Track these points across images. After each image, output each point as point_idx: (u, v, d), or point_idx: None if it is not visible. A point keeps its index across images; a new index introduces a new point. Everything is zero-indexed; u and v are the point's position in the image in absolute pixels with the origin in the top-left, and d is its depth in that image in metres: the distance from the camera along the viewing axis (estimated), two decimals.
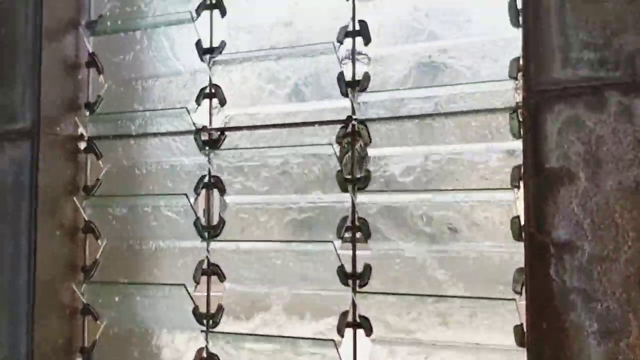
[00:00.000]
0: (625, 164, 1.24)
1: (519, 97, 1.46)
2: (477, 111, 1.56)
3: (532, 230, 1.29)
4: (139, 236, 1.96)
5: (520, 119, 1.45)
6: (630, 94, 1.24)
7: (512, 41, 1.49)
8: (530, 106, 1.33)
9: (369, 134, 1.69)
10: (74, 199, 1.98)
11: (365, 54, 1.73)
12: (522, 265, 1.35)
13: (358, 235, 1.66)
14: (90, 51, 2.04)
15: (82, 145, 2.02)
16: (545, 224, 1.28)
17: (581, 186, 1.27)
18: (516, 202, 1.46)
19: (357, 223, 1.66)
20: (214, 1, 1.89)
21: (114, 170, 2.01)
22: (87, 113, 2.03)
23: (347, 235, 1.67)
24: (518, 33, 1.43)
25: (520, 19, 1.43)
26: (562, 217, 1.27)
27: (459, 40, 1.63)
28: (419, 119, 1.65)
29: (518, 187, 1.47)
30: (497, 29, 1.56)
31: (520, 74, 1.45)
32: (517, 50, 1.45)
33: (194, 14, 1.88)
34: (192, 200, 1.83)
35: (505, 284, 1.46)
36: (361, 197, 1.67)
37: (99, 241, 1.98)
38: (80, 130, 2.01)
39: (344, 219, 1.68)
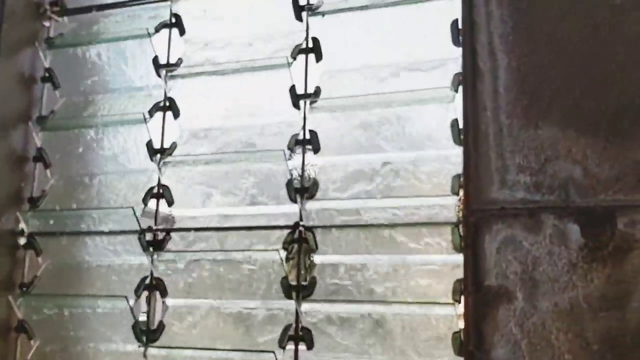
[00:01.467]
0: (561, 285, 1.27)
1: (460, 213, 1.51)
2: (421, 224, 1.60)
3: (471, 349, 1.30)
4: (76, 337, 1.89)
5: (461, 234, 1.48)
6: (564, 218, 1.29)
7: (454, 157, 1.56)
8: (470, 224, 1.37)
9: (315, 240, 1.70)
10: (9, 297, 1.91)
11: (314, 164, 1.76)
12: None
13: (301, 345, 1.63)
14: (39, 146, 2.03)
15: (22, 240, 1.97)
16: (484, 343, 1.29)
17: (519, 306, 1.29)
18: (457, 316, 1.48)
19: (300, 332, 1.65)
20: (167, 104, 1.92)
21: (53, 268, 1.96)
22: (29, 207, 1.99)
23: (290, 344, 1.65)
24: (459, 150, 1.49)
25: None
26: (501, 337, 1.29)
27: (403, 154, 1.68)
28: (367, 228, 1.67)
29: (459, 301, 1.49)
30: (440, 144, 1.63)
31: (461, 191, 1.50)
32: (459, 167, 1.50)
33: (147, 115, 1.90)
34: (132, 302, 1.78)
35: None
36: (306, 306, 1.66)
37: (31, 342, 1.90)
38: (22, 225, 1.97)
39: (287, 327, 1.66)
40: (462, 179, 1.46)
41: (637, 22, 1.32)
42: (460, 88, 1.49)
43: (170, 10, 1.95)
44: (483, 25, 1.42)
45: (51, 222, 1.98)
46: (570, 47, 1.35)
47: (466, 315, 1.34)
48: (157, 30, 1.95)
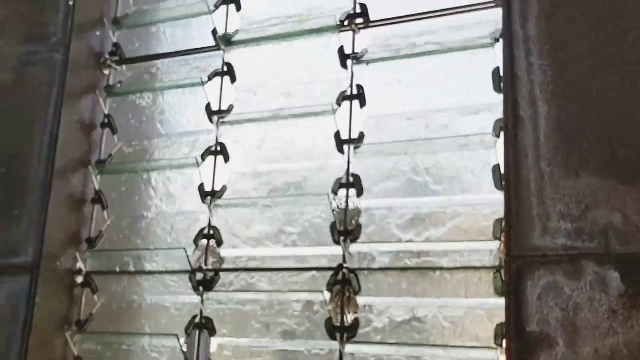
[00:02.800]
0: (602, 332, 1.28)
1: (502, 258, 1.53)
2: (463, 268, 1.62)
3: None
4: None
5: (503, 279, 1.50)
6: (605, 265, 1.30)
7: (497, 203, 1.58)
8: (512, 270, 1.39)
9: (359, 282, 1.74)
10: (67, 334, 2.00)
11: (357, 206, 1.81)
12: None
13: None
14: (97, 189, 2.13)
15: (80, 279, 2.06)
16: None
17: (560, 352, 1.30)
18: None
19: None
20: (218, 148, 2.00)
21: (108, 306, 2.04)
22: (87, 247, 2.09)
23: None
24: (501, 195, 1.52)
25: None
26: None
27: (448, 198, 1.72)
28: (409, 271, 1.70)
29: (501, 345, 1.50)
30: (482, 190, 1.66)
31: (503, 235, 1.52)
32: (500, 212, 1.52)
33: (199, 160, 1.99)
34: (182, 341, 1.84)
35: None
36: (349, 347, 1.69)
37: None
38: (79, 265, 2.07)
39: None
40: (503, 225, 1.49)
41: None
42: (502, 135, 1.53)
43: (223, 59, 2.05)
44: (524, 76, 1.45)
45: (107, 261, 2.07)
46: (606, 97, 1.37)
47: None
48: (210, 78, 2.04)
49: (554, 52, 1.44)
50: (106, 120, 2.18)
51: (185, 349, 1.83)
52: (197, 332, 1.87)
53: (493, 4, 1.67)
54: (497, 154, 1.61)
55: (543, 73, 1.44)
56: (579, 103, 1.41)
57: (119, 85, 2.22)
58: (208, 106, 2.03)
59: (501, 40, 1.54)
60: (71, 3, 2.14)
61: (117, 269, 2.06)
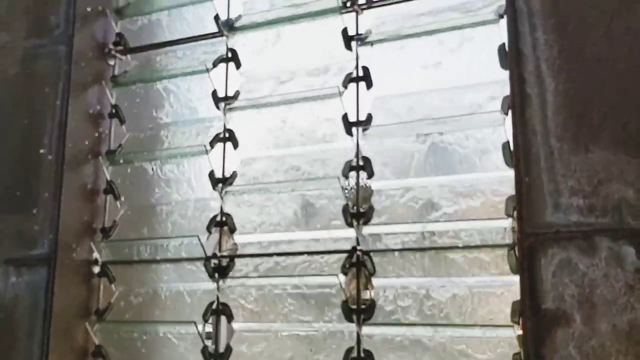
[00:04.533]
0: (619, 307, 1.28)
1: (515, 235, 1.52)
2: (476, 246, 1.62)
3: None
4: None
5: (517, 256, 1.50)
6: (619, 240, 1.30)
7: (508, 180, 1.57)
8: (525, 248, 1.39)
9: (373, 264, 1.75)
10: (86, 323, 2.02)
11: (368, 187, 1.81)
12: None
13: None
14: (109, 179, 2.14)
15: (96, 269, 2.09)
16: None
17: (577, 328, 1.30)
18: (517, 338, 1.49)
19: (362, 354, 1.69)
20: (227, 135, 2.00)
21: (125, 295, 2.07)
22: (102, 238, 2.11)
23: None
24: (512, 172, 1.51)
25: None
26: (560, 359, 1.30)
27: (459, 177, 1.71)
28: (423, 251, 1.71)
29: (518, 322, 1.50)
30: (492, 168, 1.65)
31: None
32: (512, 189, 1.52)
33: (208, 147, 1.99)
34: (200, 327, 1.87)
35: None
36: (366, 329, 1.71)
37: None
38: (95, 255, 2.09)
39: (349, 350, 1.71)
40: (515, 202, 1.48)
41: None
42: (509, 112, 1.52)
43: (227, 45, 2.04)
44: (529, 52, 1.44)
45: (124, 250, 2.09)
46: (617, 68, 1.36)
47: (525, 339, 1.36)
48: (214, 65, 2.04)
49: (559, 26, 1.42)
50: (114, 111, 2.18)
51: (204, 336, 1.85)
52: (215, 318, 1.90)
53: None
54: (505, 131, 1.60)
55: (549, 48, 1.42)
56: (586, 77, 1.39)
57: (124, 74, 2.21)
58: (214, 93, 2.02)
59: (505, 16, 1.52)
60: None
61: (134, 258, 2.08)
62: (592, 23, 1.40)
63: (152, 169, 2.13)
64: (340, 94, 1.81)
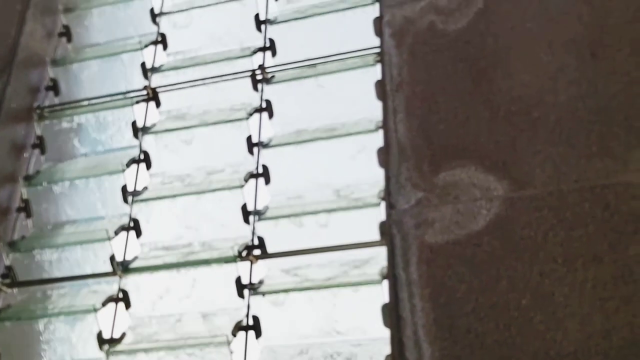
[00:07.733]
0: None
1: None
2: None
3: None
4: None
5: None
6: None
7: None
8: None
9: None
10: None
11: None
12: None
13: None
14: None
15: None
16: None
17: None
18: None
19: None
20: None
21: None
22: None
23: None
24: None
25: None
26: None
27: None
28: None
29: None
30: None
31: None
32: None
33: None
34: None
35: None
36: None
37: None
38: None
39: None
40: None
41: None
42: None
43: (119, 285, 2.04)
44: (408, 316, 1.52)
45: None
46: (487, 344, 1.45)
47: None
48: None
49: (435, 295, 1.53)
50: None
51: None
52: None
53: (378, 243, 1.78)
54: None
55: (425, 315, 1.51)
56: (460, 344, 1.47)
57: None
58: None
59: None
60: None
61: None
62: (460, 297, 1.51)
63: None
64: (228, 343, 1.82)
